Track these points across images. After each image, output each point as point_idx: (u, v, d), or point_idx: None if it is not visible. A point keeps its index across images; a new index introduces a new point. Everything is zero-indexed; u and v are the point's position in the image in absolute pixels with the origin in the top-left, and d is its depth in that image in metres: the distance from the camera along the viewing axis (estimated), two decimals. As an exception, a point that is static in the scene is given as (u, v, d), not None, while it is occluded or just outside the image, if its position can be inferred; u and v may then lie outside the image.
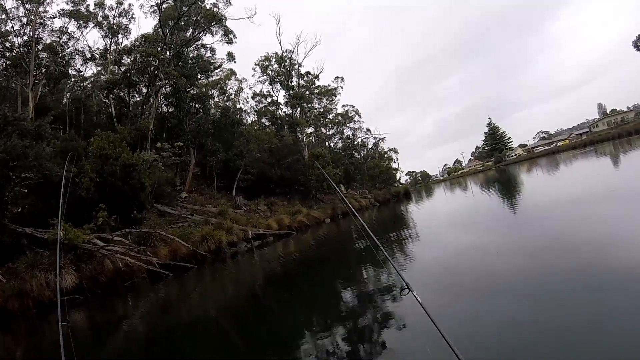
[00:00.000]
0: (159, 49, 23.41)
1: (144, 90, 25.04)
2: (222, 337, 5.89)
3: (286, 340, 5.16)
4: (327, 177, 7.20)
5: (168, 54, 24.41)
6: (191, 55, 28.12)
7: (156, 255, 12.67)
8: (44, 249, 11.14)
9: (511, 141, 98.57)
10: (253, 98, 37.79)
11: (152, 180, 17.05)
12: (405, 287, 2.62)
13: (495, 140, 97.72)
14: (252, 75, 39.00)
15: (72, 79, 28.25)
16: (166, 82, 23.62)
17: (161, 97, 26.08)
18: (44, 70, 23.66)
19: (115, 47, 27.67)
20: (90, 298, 10.50)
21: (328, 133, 48.11)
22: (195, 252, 13.70)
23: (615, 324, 3.36)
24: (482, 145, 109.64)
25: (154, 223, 15.94)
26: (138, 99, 26.82)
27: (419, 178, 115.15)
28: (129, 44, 26.57)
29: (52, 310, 9.43)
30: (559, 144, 77.11)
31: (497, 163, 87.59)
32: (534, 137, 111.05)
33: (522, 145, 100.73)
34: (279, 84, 36.44)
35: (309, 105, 40.30)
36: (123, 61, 25.62)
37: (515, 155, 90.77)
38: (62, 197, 4.14)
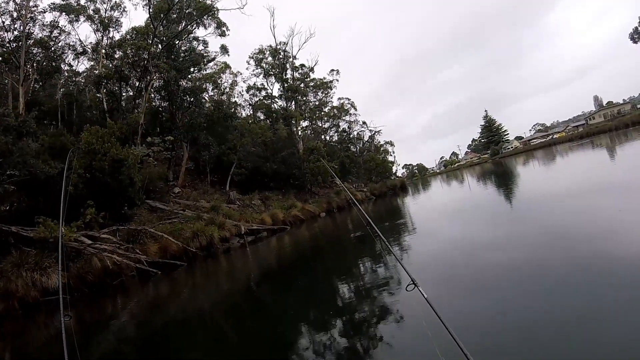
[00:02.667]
0: (150, 41, 23.03)
1: (137, 84, 24.70)
2: (216, 336, 5.73)
3: (284, 337, 5.02)
4: (329, 168, 7.00)
5: (159, 47, 24.02)
6: (183, 48, 27.65)
7: (145, 253, 12.48)
8: (31, 248, 10.96)
9: (507, 134, 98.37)
10: (247, 91, 37.37)
11: (143, 176, 16.83)
12: (411, 282, 2.59)
13: (491, 132, 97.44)
14: (247, 69, 38.63)
15: (65, 74, 27.85)
16: (156, 75, 23.26)
17: (153, 91, 25.74)
18: (35, 66, 23.31)
19: (107, 41, 27.28)
20: (78, 297, 10.32)
21: (324, 126, 47.74)
22: (186, 249, 13.52)
23: (615, 317, 3.33)
24: (479, 137, 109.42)
25: (144, 219, 15.73)
26: (131, 93, 26.48)
27: (416, 171, 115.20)
28: (120, 37, 26.21)
29: (38, 311, 9.30)
30: (555, 136, 76.94)
31: (494, 155, 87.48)
32: (530, 130, 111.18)
33: (518, 138, 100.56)
34: (273, 77, 35.95)
35: (304, 99, 39.85)
36: (116, 55, 25.24)
37: (512, 147, 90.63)
38: (63, 194, 4.06)
